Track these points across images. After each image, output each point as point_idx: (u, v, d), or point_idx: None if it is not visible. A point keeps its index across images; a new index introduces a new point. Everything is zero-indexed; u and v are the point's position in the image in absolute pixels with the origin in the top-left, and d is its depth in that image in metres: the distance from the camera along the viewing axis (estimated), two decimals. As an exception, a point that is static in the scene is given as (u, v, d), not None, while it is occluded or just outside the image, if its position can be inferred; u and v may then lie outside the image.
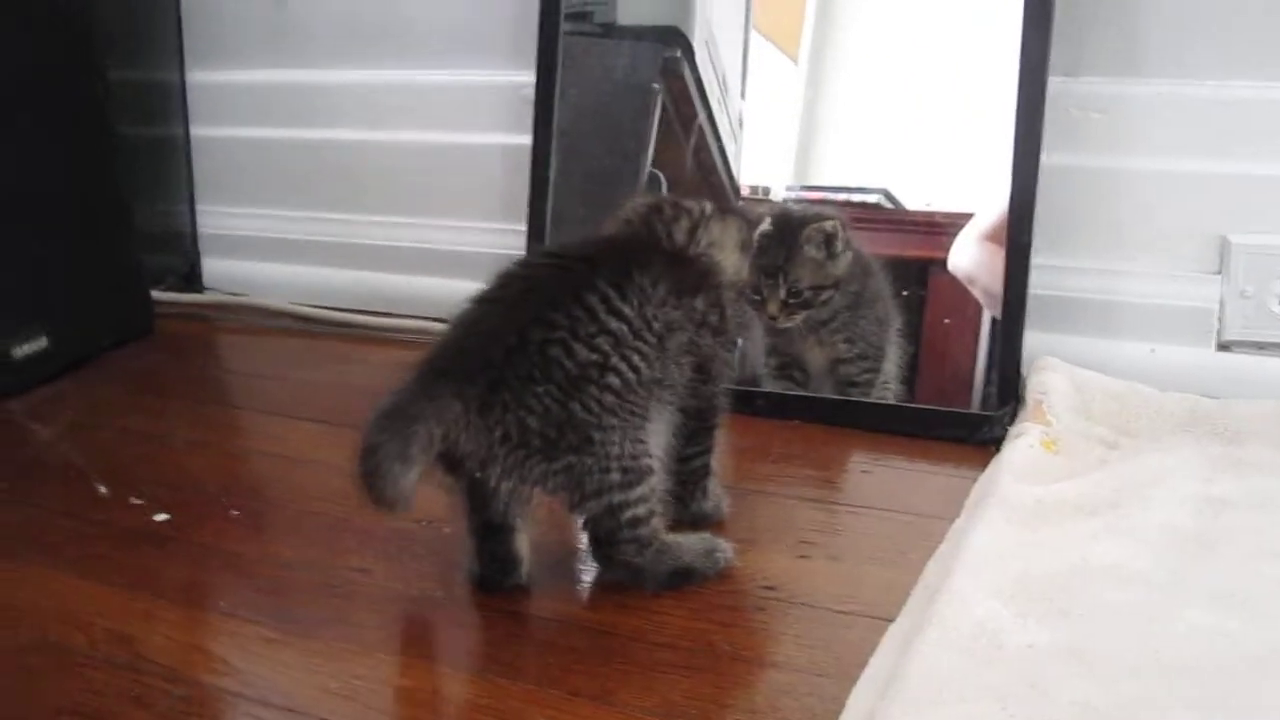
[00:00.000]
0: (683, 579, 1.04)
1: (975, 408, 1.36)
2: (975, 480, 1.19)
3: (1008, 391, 1.30)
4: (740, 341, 1.38)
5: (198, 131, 1.94)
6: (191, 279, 1.96)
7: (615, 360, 0.99)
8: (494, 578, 1.04)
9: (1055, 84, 1.32)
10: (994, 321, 1.37)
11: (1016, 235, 1.31)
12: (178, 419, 1.49)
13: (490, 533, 1.03)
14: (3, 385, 1.56)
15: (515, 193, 1.61)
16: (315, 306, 1.80)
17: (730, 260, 1.12)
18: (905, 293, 1.43)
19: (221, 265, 1.96)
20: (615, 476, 1.00)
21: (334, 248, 1.85)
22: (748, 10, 1.56)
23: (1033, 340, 1.35)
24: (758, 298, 1.34)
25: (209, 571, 1.13)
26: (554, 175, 1.55)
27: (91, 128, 1.69)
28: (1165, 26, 1.33)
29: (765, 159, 1.56)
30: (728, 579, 1.06)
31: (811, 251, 1.32)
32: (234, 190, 1.93)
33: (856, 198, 1.49)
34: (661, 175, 1.59)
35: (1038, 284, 1.34)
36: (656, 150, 1.58)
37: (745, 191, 1.55)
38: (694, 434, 1.11)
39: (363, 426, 0.97)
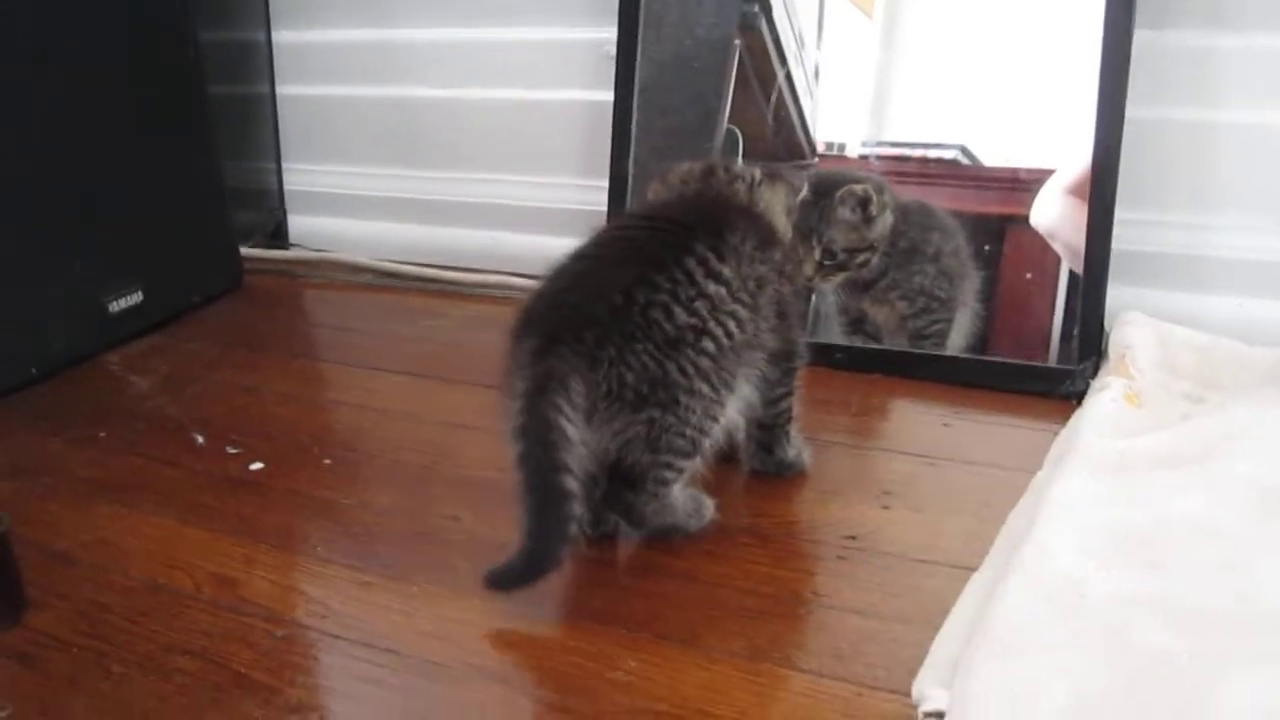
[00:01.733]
0: (669, 532, 1.07)
1: (1052, 363, 1.36)
2: (1057, 434, 1.19)
3: (1090, 346, 1.30)
4: (814, 298, 1.40)
5: (284, 90, 1.96)
6: (278, 235, 1.99)
7: (712, 325, 1.02)
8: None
9: (1141, 36, 1.30)
10: (1072, 277, 1.37)
11: (1100, 190, 1.30)
12: (268, 372, 1.52)
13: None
14: (100, 338, 1.60)
15: (596, 149, 1.62)
16: (398, 262, 1.83)
17: (780, 223, 1.15)
18: (987, 248, 1.43)
19: (307, 222, 1.99)
20: (681, 443, 1.02)
21: (416, 204, 1.87)
22: None
23: (1117, 295, 1.34)
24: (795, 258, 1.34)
25: (304, 518, 1.16)
26: (635, 131, 1.56)
27: (183, 87, 1.72)
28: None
29: (841, 115, 1.55)
30: (811, 527, 1.08)
31: (846, 214, 1.30)
32: (319, 148, 1.96)
33: (933, 154, 1.49)
34: (739, 131, 1.59)
35: (1122, 238, 1.33)
36: (734, 106, 1.58)
37: (820, 148, 1.55)
38: (779, 379, 1.13)
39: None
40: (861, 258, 1.31)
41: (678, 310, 1.00)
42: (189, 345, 1.63)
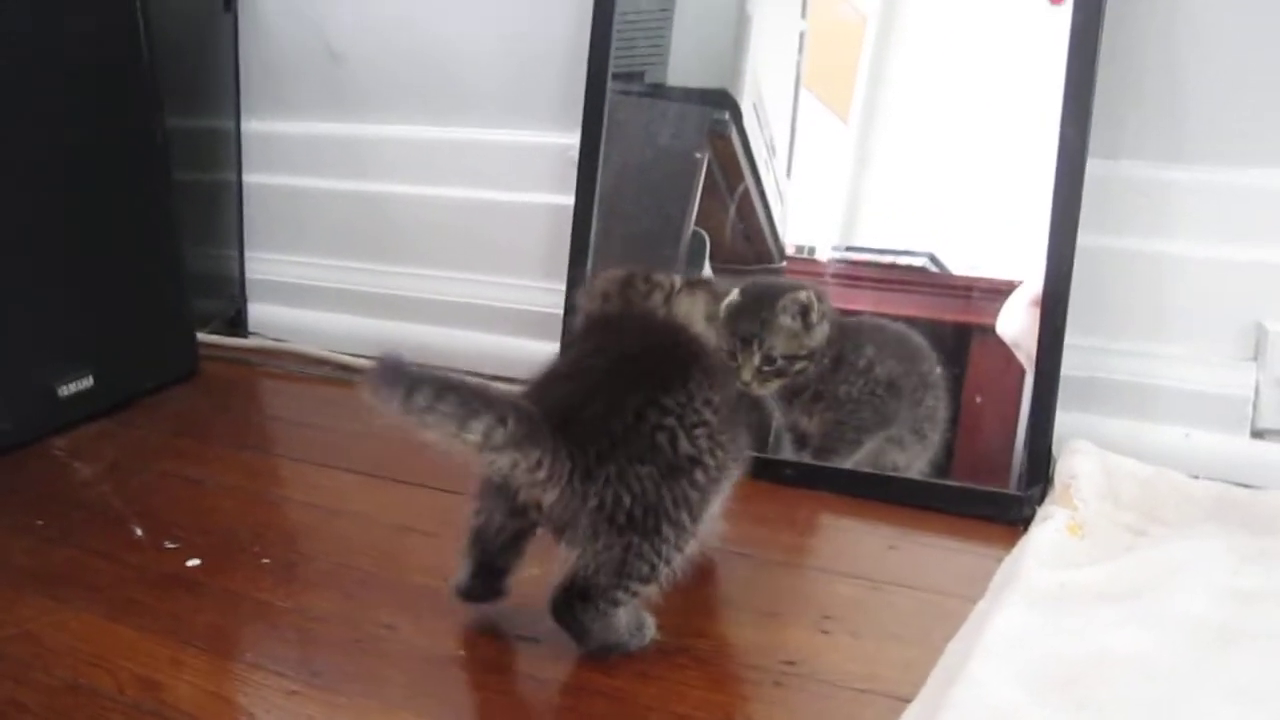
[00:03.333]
0: (610, 650, 1.05)
1: (1014, 483, 1.36)
2: (1001, 560, 1.19)
3: (1037, 472, 1.30)
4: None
5: (250, 178, 1.97)
6: (237, 323, 1.99)
7: (706, 456, 1.01)
8: (477, 592, 1.09)
9: (1096, 165, 1.32)
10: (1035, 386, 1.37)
11: (1050, 316, 1.31)
12: (217, 464, 1.51)
13: (486, 567, 1.08)
14: (48, 422, 1.59)
15: (558, 252, 1.62)
16: (357, 355, 1.82)
17: (699, 329, 1.15)
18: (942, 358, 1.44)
19: (267, 310, 1.99)
20: (646, 570, 1.01)
21: (377, 298, 1.87)
22: (799, 71, 1.57)
23: (1066, 420, 1.34)
24: (735, 364, 1.36)
25: (237, 620, 1.14)
26: (594, 238, 1.57)
27: (149, 172, 1.72)
28: (1208, 113, 1.34)
29: (811, 219, 1.56)
30: (748, 650, 1.07)
31: (787, 321, 1.34)
32: (283, 237, 1.96)
33: (902, 260, 1.50)
34: (705, 234, 1.60)
35: (1072, 364, 1.34)
36: (701, 209, 1.59)
37: (790, 251, 1.56)
38: None
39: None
40: (800, 364, 1.34)
41: (682, 438, 1.00)
42: (138, 432, 1.61)
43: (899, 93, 1.53)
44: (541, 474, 0.96)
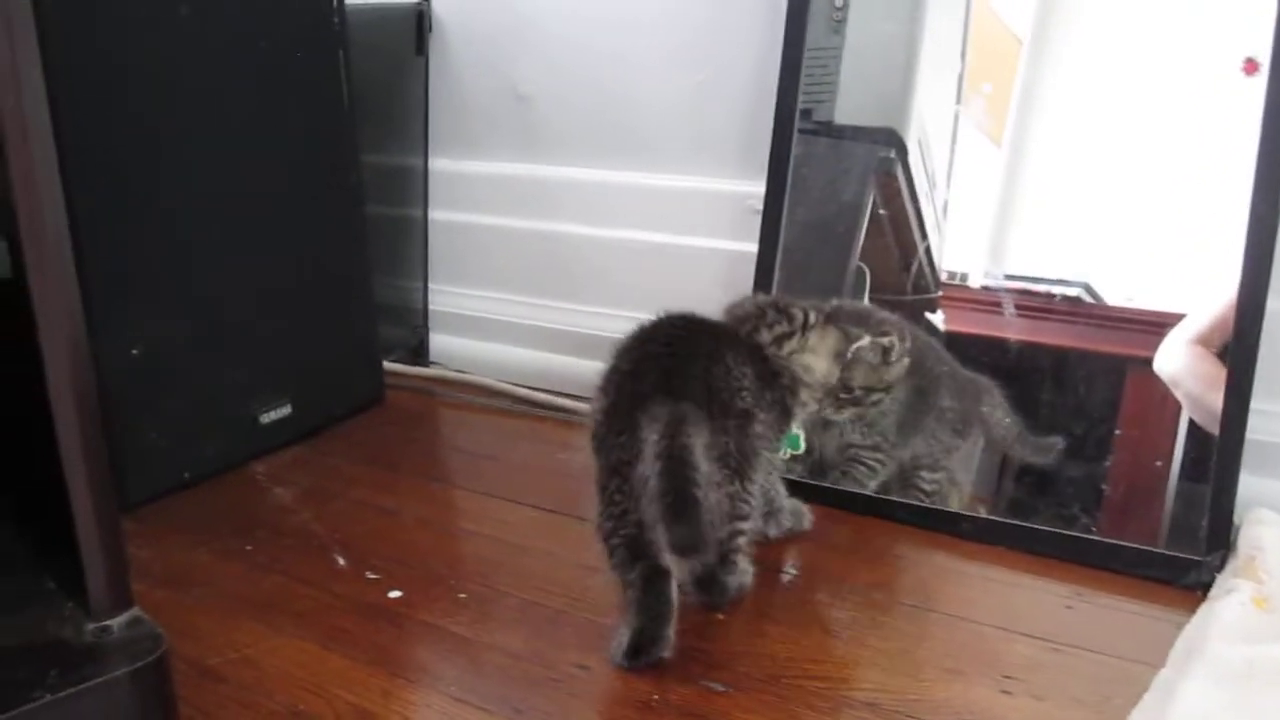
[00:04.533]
0: (742, 592, 1.25)
1: (1165, 524, 1.37)
2: (1180, 627, 1.20)
3: (1218, 538, 1.30)
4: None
5: (435, 214, 2.06)
6: (420, 353, 2.07)
7: (757, 410, 1.21)
8: (650, 630, 1.14)
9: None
10: (1191, 437, 1.37)
11: (1236, 380, 1.31)
12: (407, 495, 1.58)
13: (652, 579, 1.15)
14: (250, 448, 1.68)
15: (730, 297, 1.66)
16: (535, 389, 1.88)
17: (821, 367, 1.32)
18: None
19: (448, 341, 2.07)
20: (746, 508, 1.21)
21: (555, 334, 1.93)
22: (959, 98, 1.59)
23: (1246, 484, 1.34)
24: None
25: (439, 654, 1.21)
26: (775, 289, 1.60)
27: (345, 209, 1.81)
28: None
29: (964, 246, 1.58)
30: (933, 707, 1.09)
31: (869, 356, 1.38)
32: (465, 271, 2.04)
33: (1057, 289, 1.51)
34: (866, 268, 1.63)
35: (1255, 428, 1.33)
36: (864, 244, 1.62)
37: (944, 278, 1.57)
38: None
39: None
40: (875, 396, 1.39)
41: (743, 393, 1.20)
42: (331, 460, 1.70)
43: (1051, 117, 1.54)
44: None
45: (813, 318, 1.32)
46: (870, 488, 1.50)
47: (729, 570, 1.23)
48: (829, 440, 1.52)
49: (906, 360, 1.42)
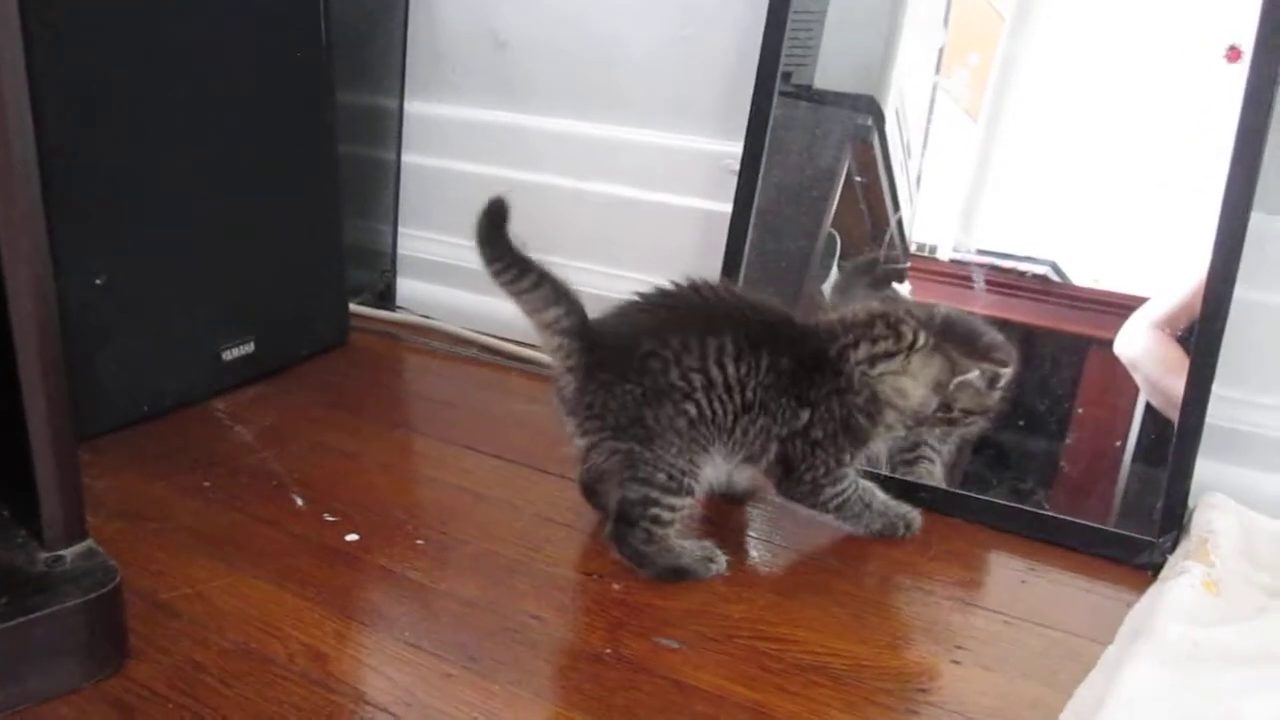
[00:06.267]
0: (678, 575, 1.24)
1: (1116, 504, 1.38)
2: (1130, 605, 1.21)
3: (1171, 520, 1.31)
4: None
5: (409, 158, 2.04)
6: (386, 296, 2.06)
7: (699, 397, 1.21)
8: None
9: (1256, 219, 1.33)
10: (1148, 408, 1.39)
11: (1199, 366, 1.32)
12: (368, 438, 1.57)
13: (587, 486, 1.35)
14: (211, 384, 1.67)
15: (706, 256, 1.66)
16: (501, 339, 1.88)
17: (917, 394, 1.27)
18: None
19: (416, 286, 2.05)
20: (661, 477, 1.21)
21: (523, 284, 1.93)
22: (938, 69, 1.59)
23: (1202, 468, 1.35)
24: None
25: (395, 598, 1.21)
26: (748, 250, 1.60)
27: (319, 147, 1.79)
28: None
29: (935, 218, 1.58)
30: (884, 673, 1.10)
31: (976, 381, 1.34)
32: (436, 217, 2.02)
33: (1024, 266, 1.51)
34: (837, 235, 1.63)
35: (1214, 414, 1.34)
36: (837, 211, 1.62)
37: (912, 249, 1.58)
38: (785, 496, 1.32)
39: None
40: (972, 419, 1.33)
41: (673, 371, 1.20)
42: (293, 400, 1.69)
43: (1029, 94, 1.54)
44: (570, 362, 1.22)
45: (921, 339, 1.26)
46: (937, 476, 1.45)
47: (639, 535, 1.23)
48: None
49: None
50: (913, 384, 1.26)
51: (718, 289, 1.31)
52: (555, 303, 1.21)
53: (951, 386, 1.27)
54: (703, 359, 1.21)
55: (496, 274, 1.23)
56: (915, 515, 1.36)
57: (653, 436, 1.20)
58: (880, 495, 1.35)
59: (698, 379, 1.20)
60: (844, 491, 1.30)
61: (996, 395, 1.31)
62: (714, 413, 1.22)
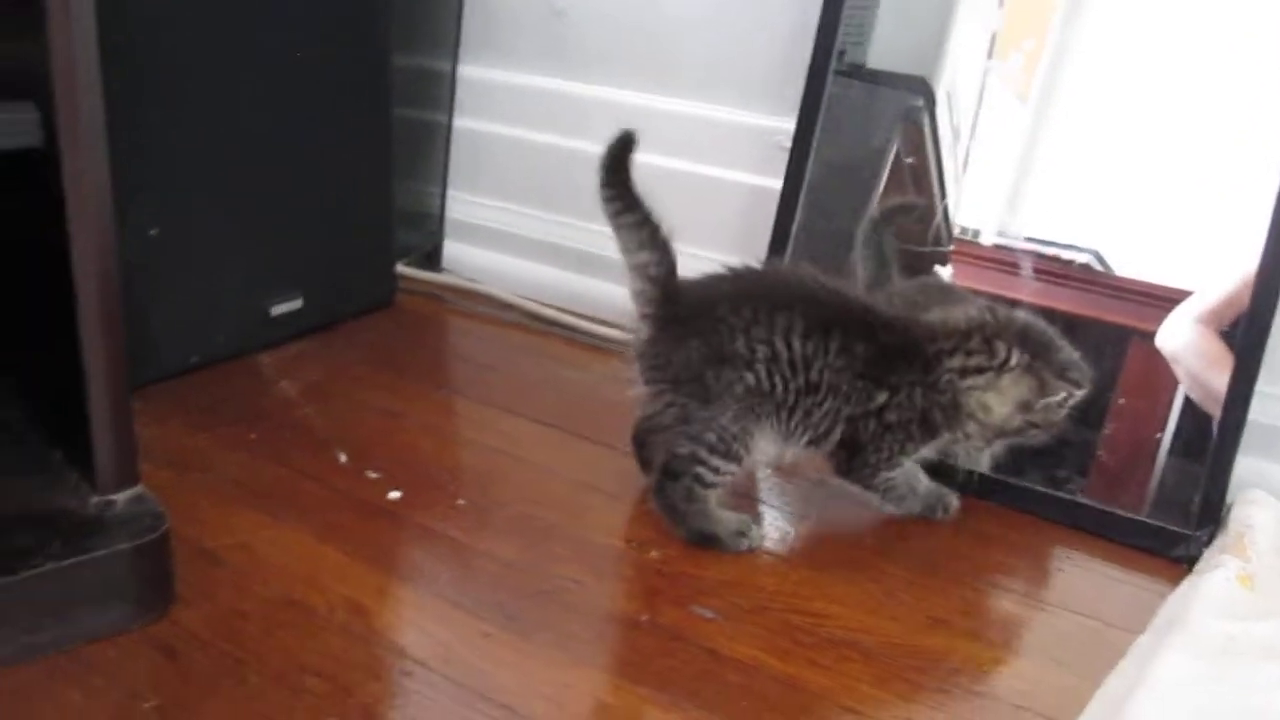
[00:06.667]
0: (708, 542, 1.26)
1: (1150, 496, 1.38)
2: (1163, 596, 1.22)
3: (1209, 514, 1.31)
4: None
5: (460, 122, 2.05)
6: (433, 258, 2.07)
7: (760, 367, 1.22)
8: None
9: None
10: (1187, 402, 1.38)
11: (1245, 359, 1.32)
12: (412, 399, 1.59)
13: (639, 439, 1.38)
14: (260, 339, 1.69)
15: (754, 232, 1.66)
16: (545, 305, 1.89)
17: (1001, 410, 1.28)
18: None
19: (462, 250, 2.07)
20: (712, 437, 1.22)
21: (569, 252, 1.94)
22: (991, 49, 1.59)
23: (1240, 464, 1.35)
24: None
25: (435, 557, 1.22)
26: (795, 229, 1.61)
27: (371, 107, 1.80)
28: None
29: (980, 202, 1.57)
30: (918, 654, 1.11)
31: (1050, 403, 1.30)
32: (484, 181, 2.04)
33: (1067, 254, 1.51)
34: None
35: (1256, 409, 1.34)
36: (884, 192, 1.62)
37: (956, 232, 1.58)
38: (840, 474, 1.33)
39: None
40: (1034, 431, 1.33)
41: (740, 339, 1.22)
42: (339, 357, 1.70)
43: (1079, 81, 1.53)
44: (649, 310, 1.25)
45: (1015, 359, 1.27)
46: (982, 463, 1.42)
47: (680, 491, 1.25)
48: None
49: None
50: (999, 400, 1.27)
51: (799, 271, 1.33)
52: (651, 247, 1.24)
53: (1038, 407, 1.28)
54: (770, 330, 1.22)
55: (607, 200, 1.26)
56: (953, 498, 1.37)
57: (710, 397, 1.22)
58: (924, 478, 1.36)
59: (762, 350, 1.22)
60: (897, 476, 1.32)
61: (1064, 413, 1.31)
62: (773, 385, 1.23)
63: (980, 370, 1.26)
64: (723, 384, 1.22)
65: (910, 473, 1.34)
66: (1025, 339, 1.28)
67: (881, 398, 1.26)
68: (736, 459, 1.24)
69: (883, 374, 1.25)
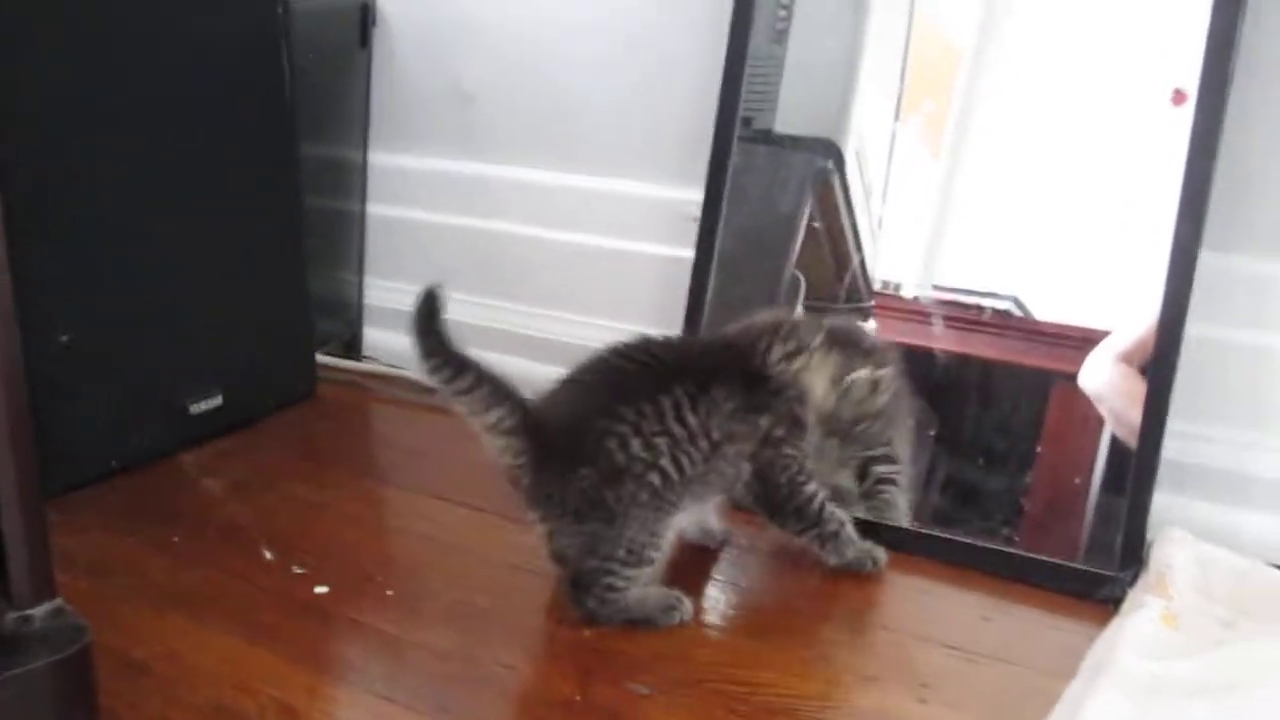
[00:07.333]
0: (639, 624, 1.24)
1: (1085, 539, 1.40)
2: (1092, 639, 1.23)
3: (1131, 554, 1.33)
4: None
5: (374, 209, 2.06)
6: (353, 346, 2.07)
7: (664, 461, 1.20)
8: None
9: (1206, 257, 1.35)
10: (1112, 453, 1.41)
11: (1154, 403, 1.34)
12: (337, 490, 1.58)
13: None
14: (179, 438, 1.67)
15: (669, 302, 1.68)
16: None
17: (820, 388, 1.33)
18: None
19: (382, 336, 2.06)
20: (621, 553, 1.20)
21: (489, 332, 1.92)
22: (898, 109, 1.62)
23: (1160, 501, 1.37)
24: None
25: (366, 651, 1.21)
26: (709, 296, 1.62)
27: (283, 199, 1.81)
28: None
29: (899, 256, 1.61)
30: (850, 713, 1.12)
31: (857, 394, 1.39)
32: (400, 266, 2.04)
33: (987, 303, 1.54)
34: (801, 276, 1.64)
35: (1171, 448, 1.36)
36: (800, 252, 1.64)
37: (877, 287, 1.60)
38: (776, 519, 1.32)
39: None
40: (862, 425, 1.40)
41: (635, 443, 1.19)
42: (262, 453, 1.69)
43: (989, 132, 1.57)
44: (521, 460, 1.20)
45: (818, 339, 1.33)
46: (903, 509, 1.48)
47: (591, 602, 1.22)
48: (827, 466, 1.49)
49: (891, 391, 1.42)
50: (817, 379, 1.32)
51: (650, 345, 1.30)
52: (496, 403, 1.19)
53: (845, 384, 1.33)
54: (661, 420, 1.20)
55: (432, 371, 1.19)
56: (881, 552, 1.38)
57: (614, 516, 1.19)
58: (849, 525, 1.36)
59: (662, 441, 1.20)
60: (819, 493, 1.32)
61: (881, 399, 1.38)
62: (681, 469, 1.21)
63: (798, 352, 1.31)
64: (626, 498, 1.19)
65: (833, 511, 1.34)
66: (826, 329, 1.35)
67: (765, 422, 1.27)
68: (649, 562, 1.23)
69: (756, 399, 1.27)
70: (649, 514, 1.20)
